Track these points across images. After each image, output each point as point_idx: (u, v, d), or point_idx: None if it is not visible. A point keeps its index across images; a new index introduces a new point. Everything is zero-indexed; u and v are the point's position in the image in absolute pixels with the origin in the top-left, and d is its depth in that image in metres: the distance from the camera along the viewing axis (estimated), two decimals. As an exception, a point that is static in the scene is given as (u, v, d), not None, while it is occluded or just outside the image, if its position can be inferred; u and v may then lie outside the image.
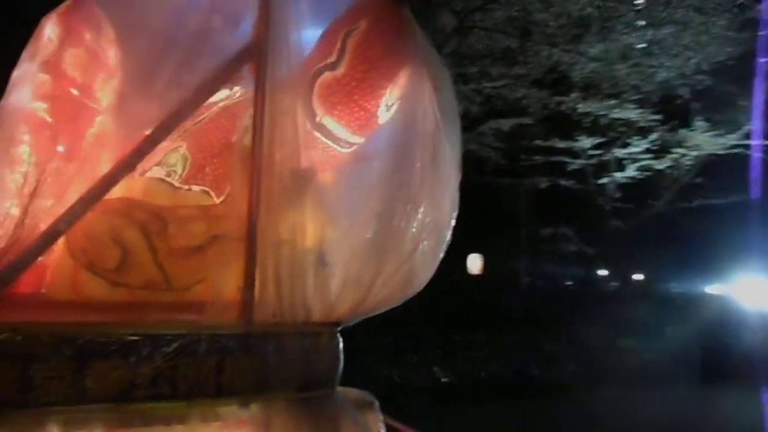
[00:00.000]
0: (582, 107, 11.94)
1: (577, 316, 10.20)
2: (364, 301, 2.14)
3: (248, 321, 1.88)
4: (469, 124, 12.41)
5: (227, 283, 1.93)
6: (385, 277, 2.19)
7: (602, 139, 12.81)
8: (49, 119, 2.12)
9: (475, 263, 11.31)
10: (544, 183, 13.84)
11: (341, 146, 2.53)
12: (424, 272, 2.39)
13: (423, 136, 2.65)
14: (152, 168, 2.25)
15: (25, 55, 2.13)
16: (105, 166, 2.17)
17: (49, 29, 2.15)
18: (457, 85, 11.62)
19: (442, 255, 2.47)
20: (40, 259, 2.06)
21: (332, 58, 2.37)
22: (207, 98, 2.06)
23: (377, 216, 2.36)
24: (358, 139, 2.56)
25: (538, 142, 13.09)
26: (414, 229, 2.38)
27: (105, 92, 2.28)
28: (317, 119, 2.44)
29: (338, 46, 2.36)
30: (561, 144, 12.97)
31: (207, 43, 2.09)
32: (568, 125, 12.62)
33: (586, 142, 12.65)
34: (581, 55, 11.76)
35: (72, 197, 2.11)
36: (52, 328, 1.77)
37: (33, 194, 2.04)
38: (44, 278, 2.16)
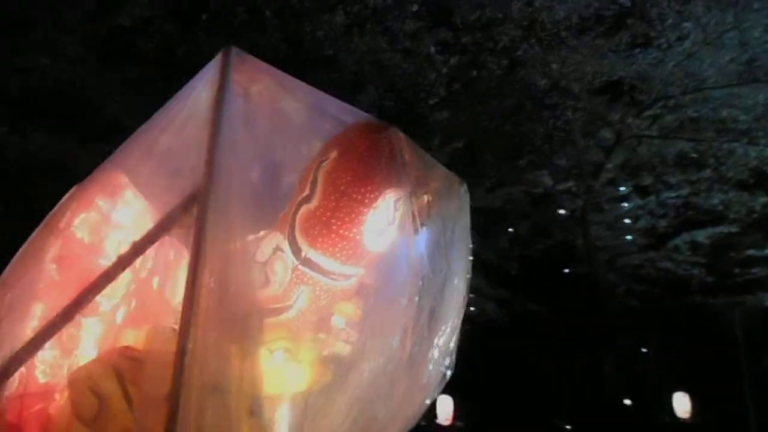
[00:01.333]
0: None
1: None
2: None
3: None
4: (656, 241, 11.22)
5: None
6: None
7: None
8: (57, 277, 2.37)
9: (681, 404, 9.46)
10: (769, 299, 11.57)
11: (334, 279, 2.41)
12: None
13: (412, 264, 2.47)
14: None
15: (43, 223, 2.47)
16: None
17: (66, 198, 2.49)
18: (632, 200, 10.75)
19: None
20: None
21: (306, 192, 2.34)
22: (149, 246, 2.14)
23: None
24: (352, 270, 2.43)
25: (751, 252, 11.20)
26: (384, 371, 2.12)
27: (117, 248, 2.51)
28: (303, 254, 2.38)
29: (311, 179, 2.34)
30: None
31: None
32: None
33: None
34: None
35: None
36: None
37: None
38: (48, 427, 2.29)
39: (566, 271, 11.23)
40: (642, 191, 10.50)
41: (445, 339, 2.54)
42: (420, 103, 9.82)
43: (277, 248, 2.41)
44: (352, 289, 2.51)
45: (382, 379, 2.33)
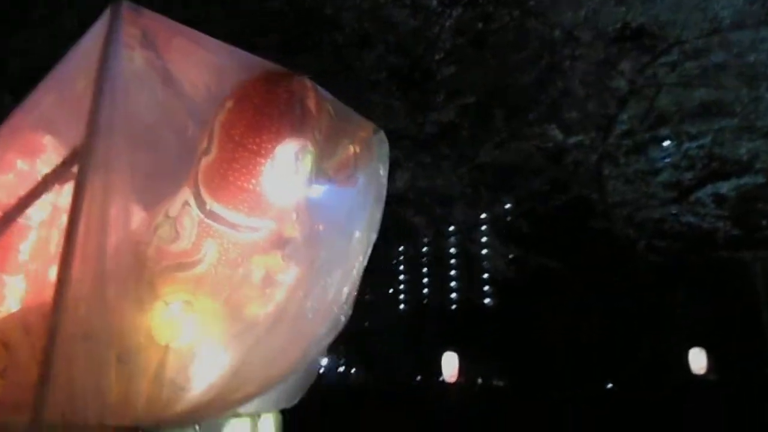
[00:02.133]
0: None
1: None
2: (177, 404, 1.92)
3: (38, 421, 1.80)
4: (679, 194, 10.83)
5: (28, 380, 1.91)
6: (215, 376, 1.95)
7: None
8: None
9: (697, 360, 9.22)
10: (804, 253, 11.07)
11: (241, 231, 2.41)
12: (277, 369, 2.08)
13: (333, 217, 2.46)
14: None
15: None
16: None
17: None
18: (652, 152, 10.36)
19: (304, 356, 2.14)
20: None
21: (205, 144, 2.32)
22: (33, 202, 2.17)
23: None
24: (259, 223, 2.42)
25: (783, 203, 10.71)
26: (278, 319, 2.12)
27: (39, 208, 2.55)
28: (207, 207, 2.37)
29: (208, 131, 2.32)
30: (817, 203, 10.40)
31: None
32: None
33: None
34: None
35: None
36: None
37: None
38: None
39: (584, 226, 10.97)
40: (662, 142, 10.10)
41: (338, 288, 2.53)
42: (425, 58, 9.60)
43: (186, 203, 2.41)
44: (265, 243, 2.50)
45: (278, 329, 2.33)
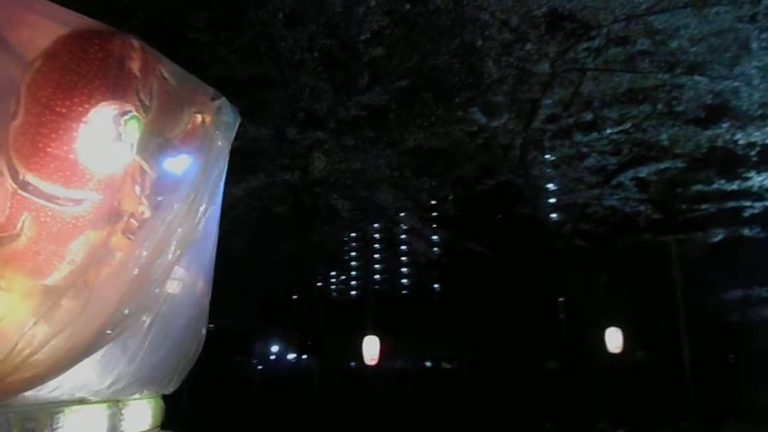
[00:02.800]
0: (743, 138, 9.84)
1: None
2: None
3: None
4: (603, 178, 11.04)
5: None
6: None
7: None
8: None
9: (614, 339, 9.50)
10: (719, 235, 11.47)
11: (61, 204, 2.23)
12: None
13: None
14: None
15: None
16: None
17: None
18: (576, 137, 10.50)
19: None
20: None
21: (13, 107, 2.12)
22: None
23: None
24: (80, 194, 2.24)
25: (699, 187, 11.05)
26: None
27: None
28: (20, 177, 2.18)
29: (16, 93, 2.12)
30: (731, 186, 10.75)
31: None
32: (732, 162, 10.47)
33: (759, 178, 10.30)
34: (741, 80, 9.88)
35: None
36: None
37: None
38: None
39: (510, 210, 11.09)
40: (585, 127, 10.22)
41: (169, 263, 2.39)
42: (353, 39, 9.43)
43: (0, 173, 2.22)
44: (93, 216, 2.33)
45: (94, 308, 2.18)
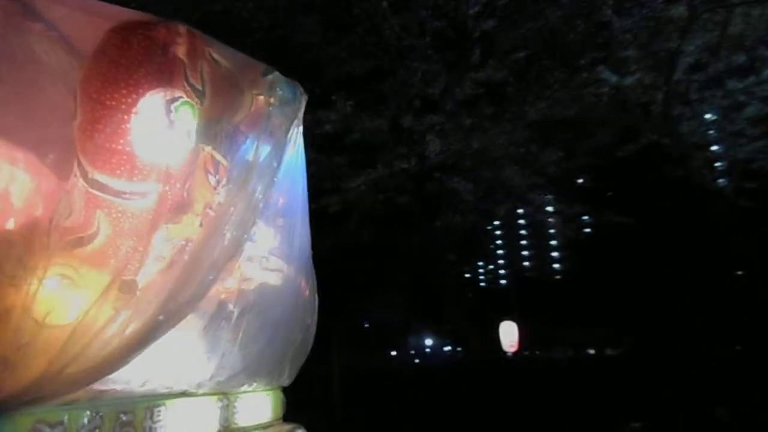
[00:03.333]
0: None
1: None
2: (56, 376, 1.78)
3: None
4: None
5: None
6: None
7: None
8: None
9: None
10: None
11: (127, 198, 2.24)
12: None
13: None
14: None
15: None
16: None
17: None
18: (724, 86, 9.17)
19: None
20: None
21: (72, 107, 2.16)
22: None
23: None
24: (144, 186, 2.24)
25: None
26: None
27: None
28: (89, 175, 2.22)
29: (73, 92, 2.16)
30: None
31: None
32: None
33: None
34: None
35: None
36: None
37: None
38: None
39: (658, 176, 9.93)
40: (740, 72, 8.87)
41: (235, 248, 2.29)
42: (462, 15, 9.07)
43: (74, 174, 2.28)
44: (161, 208, 2.32)
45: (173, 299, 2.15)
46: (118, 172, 2.17)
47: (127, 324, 2.06)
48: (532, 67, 8.79)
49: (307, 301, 3.63)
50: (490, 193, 9.22)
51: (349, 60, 9.29)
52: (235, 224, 2.32)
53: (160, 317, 2.09)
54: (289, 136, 2.52)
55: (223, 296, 3.18)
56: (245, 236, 2.42)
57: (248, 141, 2.49)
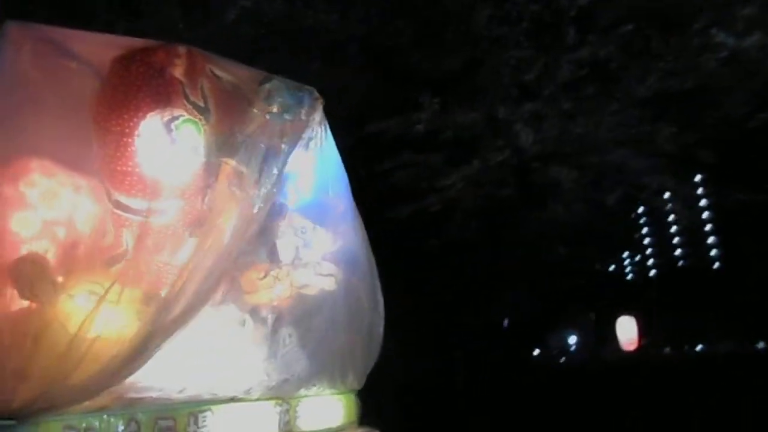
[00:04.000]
0: None
1: None
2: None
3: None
4: None
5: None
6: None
7: None
8: None
9: None
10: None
11: (147, 216, 2.37)
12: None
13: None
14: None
15: None
16: None
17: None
18: None
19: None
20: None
21: (92, 136, 2.33)
22: None
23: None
24: (161, 204, 2.36)
25: None
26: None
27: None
28: (113, 197, 2.38)
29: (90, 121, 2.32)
30: None
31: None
32: None
33: None
34: None
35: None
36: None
37: None
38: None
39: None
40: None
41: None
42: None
43: (103, 197, 2.45)
44: (180, 224, 2.43)
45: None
46: (134, 192, 2.31)
47: (142, 333, 2.17)
48: (636, 40, 8.07)
49: (365, 304, 3.62)
50: (599, 180, 8.60)
51: (440, 56, 9.17)
52: (231, 231, 2.37)
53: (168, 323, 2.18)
54: (299, 142, 2.52)
55: (274, 303, 3.28)
56: (242, 244, 2.46)
57: (261, 150, 2.53)
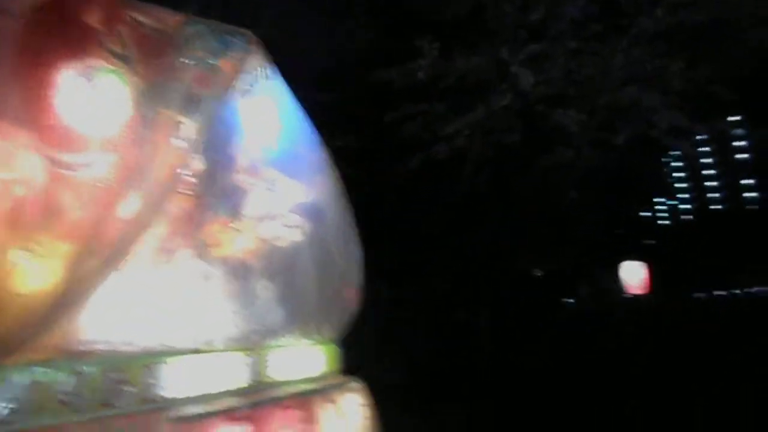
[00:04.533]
0: None
1: None
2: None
3: None
4: None
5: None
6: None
7: None
8: None
9: None
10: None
11: (79, 170, 2.33)
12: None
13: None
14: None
15: None
16: None
17: None
18: None
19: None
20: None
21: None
22: None
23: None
24: (86, 157, 2.31)
25: None
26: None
27: None
28: (44, 152, 2.31)
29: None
30: None
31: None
32: None
33: None
34: None
35: None
36: None
37: None
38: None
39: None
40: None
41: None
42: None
43: (30, 151, 2.41)
44: (112, 177, 2.39)
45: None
46: (59, 144, 2.26)
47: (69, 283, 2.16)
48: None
49: (335, 256, 3.58)
50: (608, 121, 8.24)
51: (446, 5, 8.84)
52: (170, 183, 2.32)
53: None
54: (231, 88, 2.43)
55: (240, 255, 3.26)
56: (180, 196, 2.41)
57: (195, 99, 2.45)
